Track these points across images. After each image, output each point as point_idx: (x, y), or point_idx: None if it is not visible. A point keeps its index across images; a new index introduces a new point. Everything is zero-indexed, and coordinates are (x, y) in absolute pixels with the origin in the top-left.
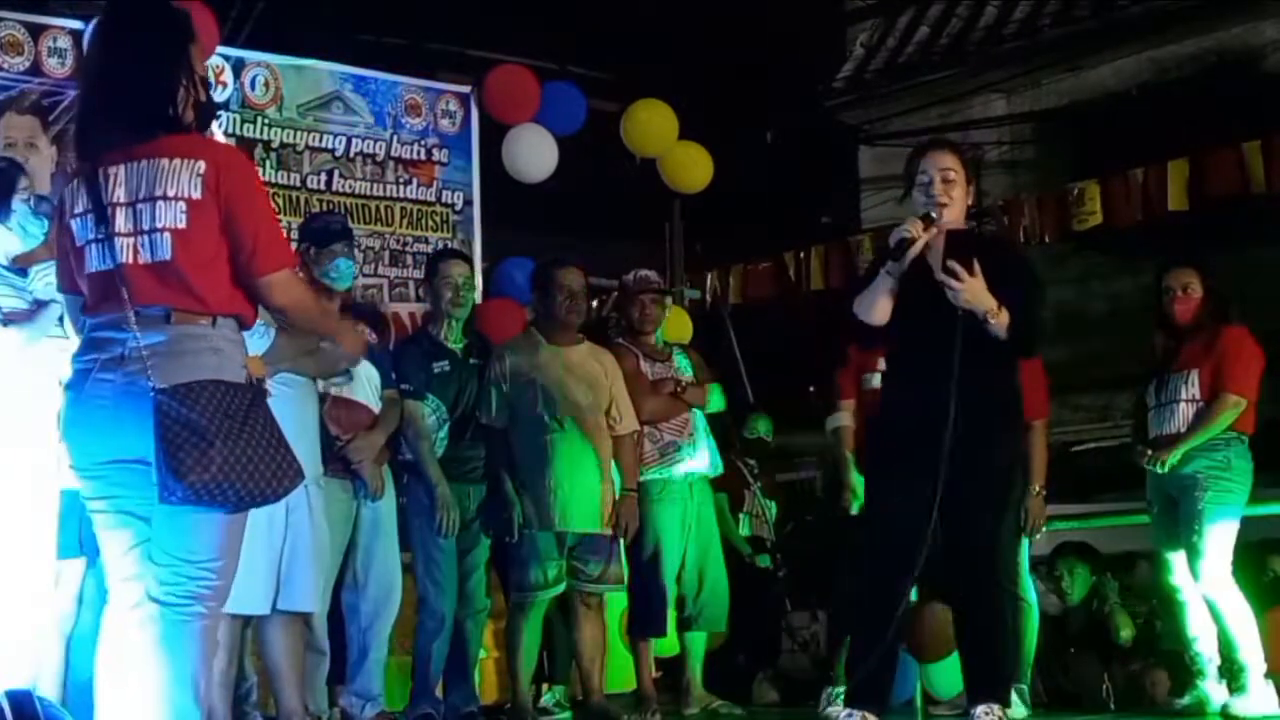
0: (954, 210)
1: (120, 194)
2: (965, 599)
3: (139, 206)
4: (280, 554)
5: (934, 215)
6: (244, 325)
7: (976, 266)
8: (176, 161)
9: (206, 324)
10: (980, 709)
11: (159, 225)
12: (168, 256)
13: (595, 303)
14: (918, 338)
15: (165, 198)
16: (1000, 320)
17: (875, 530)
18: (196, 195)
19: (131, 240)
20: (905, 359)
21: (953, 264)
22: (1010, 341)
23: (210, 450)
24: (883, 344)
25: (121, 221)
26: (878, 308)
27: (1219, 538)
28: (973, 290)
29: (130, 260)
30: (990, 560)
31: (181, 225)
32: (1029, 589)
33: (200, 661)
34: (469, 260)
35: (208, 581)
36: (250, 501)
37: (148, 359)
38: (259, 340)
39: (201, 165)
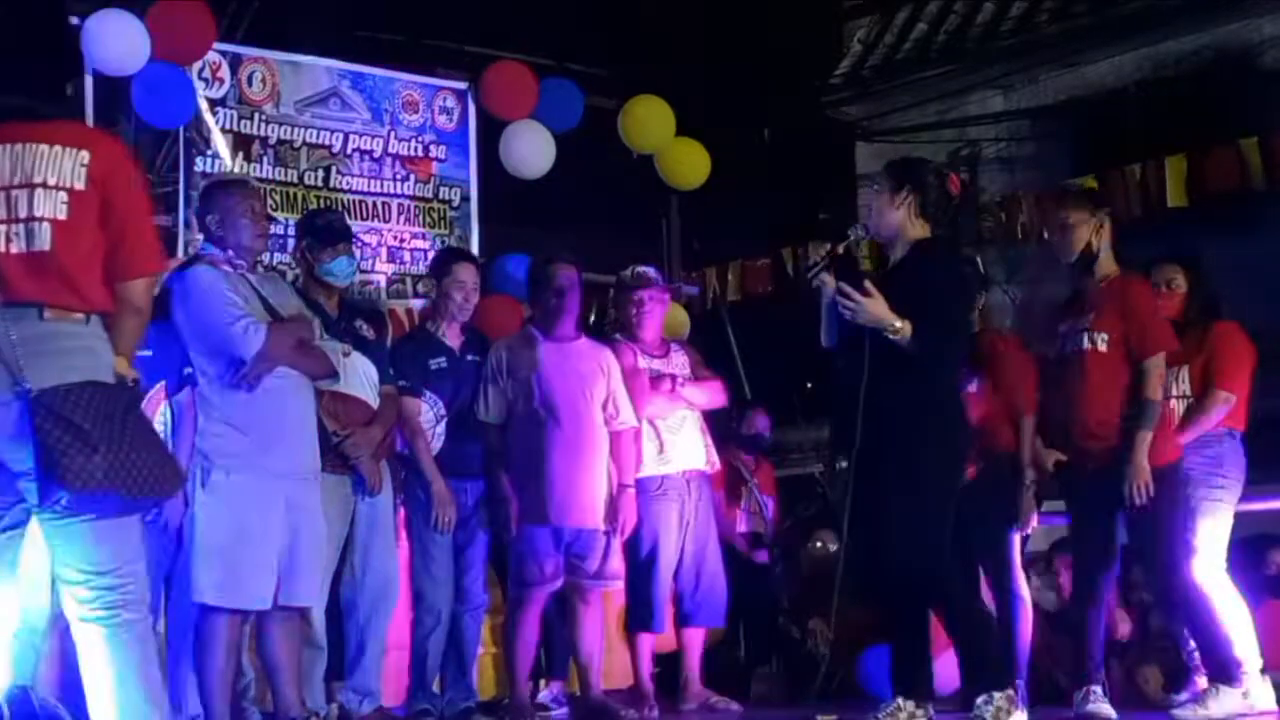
0: (877, 220)
1: None
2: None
3: (14, 193)
4: (280, 550)
5: (851, 234)
6: (106, 324)
7: (869, 285)
8: (58, 149)
9: (80, 321)
10: (980, 699)
11: (37, 214)
12: (46, 248)
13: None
14: (843, 345)
15: (45, 186)
16: (902, 333)
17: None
18: (80, 186)
19: (4, 229)
20: (837, 363)
21: (842, 285)
22: (914, 355)
23: (95, 455)
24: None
25: None
26: (825, 332)
27: (1212, 534)
28: (868, 310)
29: (3, 250)
30: (910, 571)
31: (62, 216)
32: (1019, 585)
33: (144, 662)
34: (477, 263)
35: (124, 588)
36: (132, 505)
37: (20, 357)
38: (250, 337)
39: (86, 155)
